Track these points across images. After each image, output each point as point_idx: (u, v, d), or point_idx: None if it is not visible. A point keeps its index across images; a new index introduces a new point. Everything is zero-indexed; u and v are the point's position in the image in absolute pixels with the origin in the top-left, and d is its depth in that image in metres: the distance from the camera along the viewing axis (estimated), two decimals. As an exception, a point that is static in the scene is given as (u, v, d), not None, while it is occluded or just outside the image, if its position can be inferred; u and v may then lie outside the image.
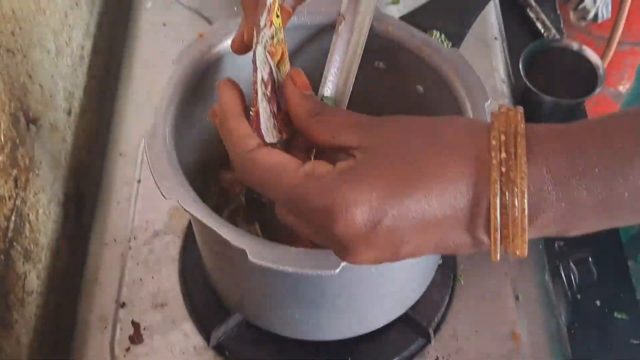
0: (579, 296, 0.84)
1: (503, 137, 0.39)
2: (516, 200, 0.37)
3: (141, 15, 1.05)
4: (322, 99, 0.52)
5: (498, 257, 0.40)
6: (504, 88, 0.97)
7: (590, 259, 0.85)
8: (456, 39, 0.67)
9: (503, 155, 0.38)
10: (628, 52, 1.47)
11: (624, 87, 1.54)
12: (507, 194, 0.37)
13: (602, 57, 1.46)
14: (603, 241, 0.88)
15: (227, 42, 0.66)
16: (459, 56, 0.63)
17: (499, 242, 0.39)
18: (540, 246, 0.83)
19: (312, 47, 0.52)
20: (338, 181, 0.40)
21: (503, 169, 0.38)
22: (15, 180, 0.71)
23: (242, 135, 0.45)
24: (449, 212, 0.39)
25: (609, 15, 1.29)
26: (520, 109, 0.41)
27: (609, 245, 0.88)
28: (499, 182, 0.38)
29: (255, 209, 0.70)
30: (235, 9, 1.04)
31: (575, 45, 0.97)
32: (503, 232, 0.38)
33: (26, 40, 0.76)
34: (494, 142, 0.39)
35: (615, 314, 0.83)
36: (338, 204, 0.39)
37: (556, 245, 0.86)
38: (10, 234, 0.70)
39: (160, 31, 1.02)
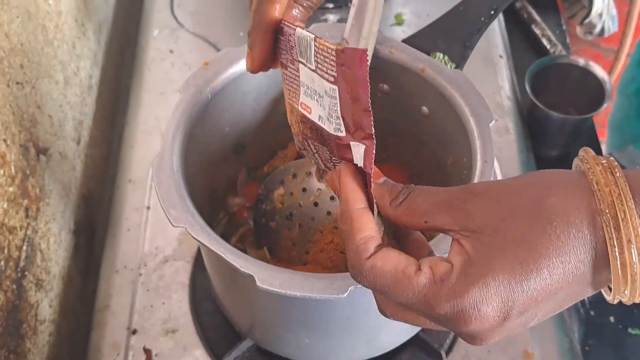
0: (592, 313, 0.84)
1: (608, 197, 0.39)
2: (634, 257, 0.38)
3: (148, 43, 1.06)
4: None
5: (616, 302, 0.41)
6: (510, 105, 0.97)
7: (602, 275, 0.84)
8: (459, 60, 0.67)
9: (613, 216, 0.38)
10: (636, 65, 1.46)
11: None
12: (625, 253, 0.38)
13: (611, 70, 1.46)
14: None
15: (232, 70, 0.67)
16: (462, 77, 0.64)
17: (621, 293, 0.40)
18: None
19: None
20: (463, 283, 0.40)
21: (616, 232, 0.38)
22: (26, 210, 0.72)
23: (362, 239, 0.43)
24: (572, 279, 0.39)
25: (616, 29, 1.28)
26: (612, 159, 0.41)
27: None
28: (616, 245, 0.38)
29: (263, 234, 0.70)
30: (241, 34, 1.05)
31: (581, 61, 0.97)
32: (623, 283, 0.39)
33: (34, 72, 0.77)
34: (601, 206, 0.39)
35: (629, 330, 0.82)
36: (469, 307, 0.39)
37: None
38: (22, 264, 0.70)
39: (167, 58, 1.03)
